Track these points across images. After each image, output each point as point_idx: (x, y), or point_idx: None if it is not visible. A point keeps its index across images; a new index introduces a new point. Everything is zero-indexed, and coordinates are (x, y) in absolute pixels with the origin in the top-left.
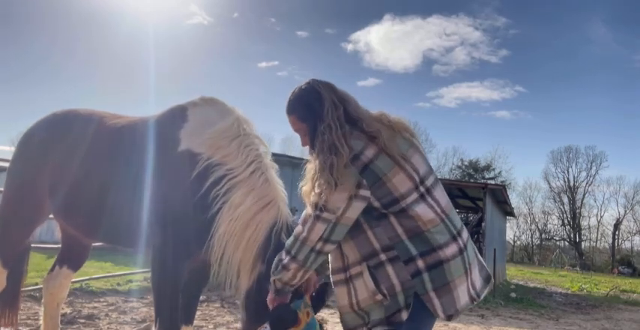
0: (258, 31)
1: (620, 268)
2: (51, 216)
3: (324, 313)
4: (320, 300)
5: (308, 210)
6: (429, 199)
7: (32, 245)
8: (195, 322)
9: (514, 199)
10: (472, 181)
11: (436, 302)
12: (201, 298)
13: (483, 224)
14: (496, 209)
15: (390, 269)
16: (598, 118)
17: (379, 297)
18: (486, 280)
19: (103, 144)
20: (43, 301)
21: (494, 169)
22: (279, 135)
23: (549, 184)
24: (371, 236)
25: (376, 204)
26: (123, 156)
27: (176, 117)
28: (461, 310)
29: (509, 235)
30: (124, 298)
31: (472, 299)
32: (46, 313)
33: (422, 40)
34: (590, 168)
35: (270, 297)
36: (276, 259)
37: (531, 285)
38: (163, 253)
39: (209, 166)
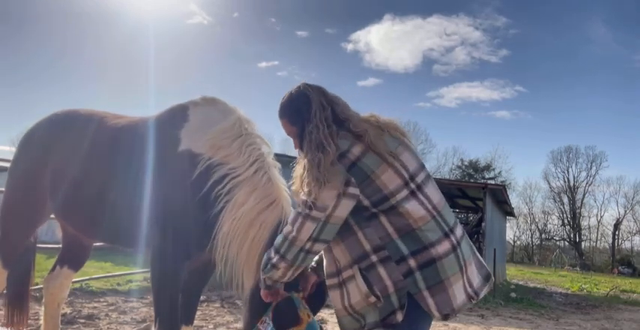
0: (258, 30)
1: (620, 268)
2: (52, 216)
3: (324, 313)
4: (319, 299)
5: (297, 209)
6: (420, 196)
7: None
8: (195, 322)
9: (514, 199)
10: (472, 181)
11: (430, 301)
12: (201, 298)
13: (483, 224)
14: (496, 209)
15: (382, 270)
16: (598, 118)
17: (372, 299)
18: (486, 278)
19: (103, 144)
20: (43, 301)
21: (494, 169)
22: (279, 135)
23: (549, 184)
24: (361, 237)
25: (366, 202)
26: (123, 156)
27: (177, 116)
28: (458, 309)
29: (509, 235)
30: (124, 298)
31: (470, 298)
32: (47, 313)
33: (422, 40)
34: (590, 168)
35: (263, 292)
36: (265, 256)
37: (531, 285)
38: (163, 254)
39: (210, 166)
